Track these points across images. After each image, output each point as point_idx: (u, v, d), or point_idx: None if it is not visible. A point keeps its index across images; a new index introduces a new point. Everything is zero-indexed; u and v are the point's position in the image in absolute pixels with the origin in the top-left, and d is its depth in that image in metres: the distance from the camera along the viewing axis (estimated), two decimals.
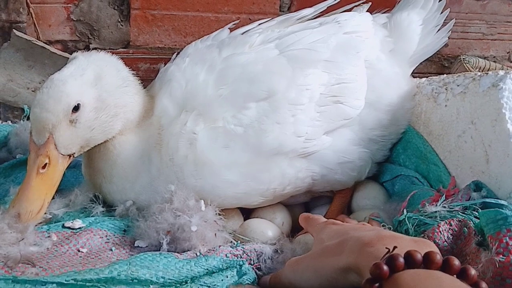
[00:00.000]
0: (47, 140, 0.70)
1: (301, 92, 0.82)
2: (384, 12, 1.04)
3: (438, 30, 1.01)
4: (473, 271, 0.42)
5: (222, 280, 0.61)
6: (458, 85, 0.86)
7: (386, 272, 0.42)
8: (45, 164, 0.70)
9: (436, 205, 0.70)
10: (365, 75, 0.89)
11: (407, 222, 0.67)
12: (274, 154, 0.80)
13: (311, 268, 0.56)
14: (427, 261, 0.43)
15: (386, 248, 0.45)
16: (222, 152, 0.78)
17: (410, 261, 0.43)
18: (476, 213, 0.66)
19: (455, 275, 0.42)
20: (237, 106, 0.79)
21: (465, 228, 0.60)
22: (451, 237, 0.60)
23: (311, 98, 0.82)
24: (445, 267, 0.43)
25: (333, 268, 0.52)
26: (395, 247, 0.45)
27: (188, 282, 0.60)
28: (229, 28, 0.97)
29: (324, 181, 0.86)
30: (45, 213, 0.72)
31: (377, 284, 0.43)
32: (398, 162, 0.97)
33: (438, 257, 0.43)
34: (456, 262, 0.43)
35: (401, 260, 0.43)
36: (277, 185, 0.81)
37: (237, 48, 0.87)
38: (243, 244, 0.67)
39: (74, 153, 0.74)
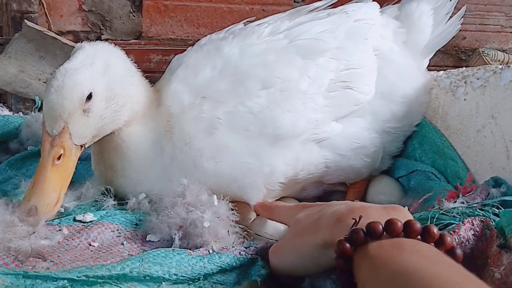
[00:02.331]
0: (62, 130, 0.69)
1: (310, 81, 0.83)
2: (394, 3, 1.04)
3: (450, 18, 1.01)
4: (434, 229, 0.44)
5: (235, 277, 0.60)
6: (478, 79, 0.85)
7: (348, 248, 0.45)
8: (60, 155, 0.69)
9: (454, 202, 0.68)
10: (375, 62, 0.91)
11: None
12: (288, 137, 0.81)
13: (292, 249, 0.57)
14: (389, 230, 0.44)
15: (353, 219, 0.47)
16: (242, 136, 0.79)
17: (372, 232, 0.44)
18: (496, 210, 0.65)
19: (418, 237, 0.44)
20: (252, 94, 0.80)
21: (487, 230, 0.59)
22: (472, 238, 0.59)
23: (320, 86, 0.84)
24: (407, 232, 0.44)
25: (313, 246, 0.53)
26: (360, 217, 0.47)
27: (201, 279, 0.59)
28: (243, 23, 0.98)
29: (338, 169, 0.87)
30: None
31: (346, 259, 0.45)
32: (414, 157, 0.96)
33: (399, 224, 0.44)
34: (417, 225, 0.44)
35: (361, 233, 0.44)
36: (291, 169, 0.82)
37: (246, 38, 0.88)
38: (256, 244, 0.66)
39: (86, 143, 0.74)
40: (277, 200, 0.86)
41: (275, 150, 0.80)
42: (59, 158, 0.69)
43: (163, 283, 0.56)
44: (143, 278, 0.55)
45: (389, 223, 0.45)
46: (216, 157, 0.78)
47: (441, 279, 0.36)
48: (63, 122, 0.69)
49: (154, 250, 0.60)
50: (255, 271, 0.60)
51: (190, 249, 0.63)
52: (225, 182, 0.78)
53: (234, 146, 0.79)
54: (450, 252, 0.44)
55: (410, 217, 0.50)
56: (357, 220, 0.47)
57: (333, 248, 0.47)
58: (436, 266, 0.39)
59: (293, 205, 0.69)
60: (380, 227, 0.45)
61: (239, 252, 0.62)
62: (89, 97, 0.71)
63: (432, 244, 0.44)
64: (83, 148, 0.74)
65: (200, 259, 0.60)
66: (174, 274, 0.57)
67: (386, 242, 0.44)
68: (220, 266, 0.60)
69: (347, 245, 0.45)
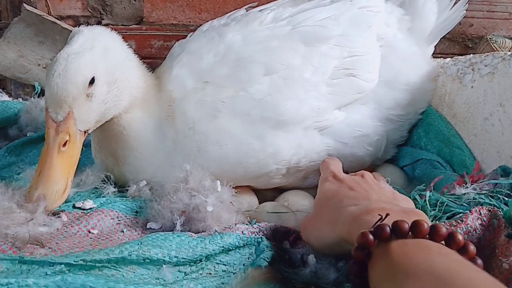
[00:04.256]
0: (67, 116, 0.68)
1: (314, 70, 0.83)
2: None
3: (455, 3, 1.00)
4: (459, 236, 0.44)
5: (239, 258, 0.60)
6: (486, 65, 0.83)
7: (371, 240, 0.45)
8: (65, 141, 0.68)
9: (466, 188, 0.67)
10: (378, 49, 0.90)
11: (427, 203, 0.65)
12: (290, 123, 0.81)
13: (314, 233, 0.60)
14: (415, 230, 0.44)
15: (379, 215, 0.47)
16: (245, 120, 0.79)
17: (398, 230, 0.44)
18: (506, 199, 0.63)
19: (442, 242, 0.44)
20: (254, 80, 0.80)
21: (495, 220, 0.58)
22: (479, 227, 0.57)
23: (324, 74, 0.83)
24: (432, 235, 0.44)
25: (330, 238, 0.56)
26: (387, 214, 0.47)
27: (203, 260, 0.58)
28: (245, 9, 0.97)
29: (341, 157, 0.86)
30: None
31: (365, 251, 0.45)
32: (419, 145, 0.95)
33: (426, 225, 0.44)
34: (443, 229, 0.44)
35: (388, 229, 0.44)
36: (293, 155, 0.82)
37: (248, 24, 0.88)
38: (260, 224, 0.65)
39: (89, 129, 0.73)
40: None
41: (278, 133, 0.80)
42: (64, 144, 0.68)
43: (164, 265, 0.55)
44: (142, 261, 0.54)
45: (416, 224, 0.44)
46: (220, 140, 0.78)
47: (472, 283, 0.36)
48: (68, 107, 0.68)
49: (153, 233, 0.59)
50: (259, 251, 0.59)
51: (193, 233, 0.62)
52: (229, 165, 0.78)
53: (237, 129, 0.78)
54: (472, 261, 0.44)
55: (429, 222, 0.50)
56: (383, 216, 0.47)
57: (355, 240, 0.47)
58: (466, 269, 0.38)
59: (328, 170, 0.71)
60: (407, 226, 0.44)
61: (242, 232, 0.62)
62: (92, 81, 0.70)
63: (455, 251, 0.44)
64: (86, 134, 0.73)
65: (201, 240, 0.59)
66: (175, 257, 0.56)
67: (411, 241, 0.44)
68: (223, 247, 0.59)
69: (371, 237, 0.45)
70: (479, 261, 0.44)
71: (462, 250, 0.44)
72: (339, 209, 0.56)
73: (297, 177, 0.86)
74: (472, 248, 0.44)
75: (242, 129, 0.79)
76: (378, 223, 0.46)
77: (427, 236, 0.44)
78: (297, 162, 0.83)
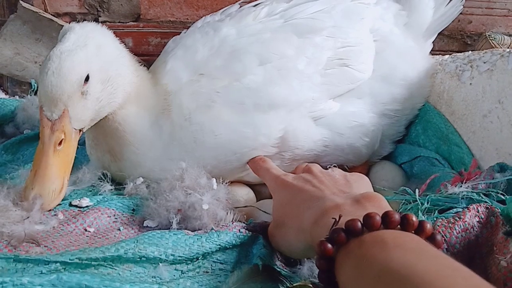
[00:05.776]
0: (62, 114, 0.67)
1: (308, 61, 0.83)
2: None
3: None
4: (413, 217, 0.43)
5: (236, 256, 0.60)
6: (484, 62, 0.83)
7: (329, 248, 0.44)
8: (61, 140, 0.68)
9: (460, 186, 0.67)
10: (372, 41, 0.91)
11: (420, 203, 0.65)
12: (283, 108, 0.81)
13: (283, 244, 0.59)
14: (367, 225, 0.44)
15: (333, 218, 0.47)
16: (238, 109, 0.79)
17: (352, 231, 0.44)
18: (501, 196, 0.63)
19: (398, 227, 0.44)
20: (248, 71, 0.81)
21: (492, 217, 0.57)
22: (477, 225, 0.57)
23: (318, 65, 0.84)
24: (385, 224, 0.43)
25: (299, 247, 0.56)
26: (340, 216, 0.46)
27: (199, 258, 0.58)
28: (239, 4, 0.98)
29: (337, 149, 0.86)
30: None
31: (327, 260, 0.45)
32: (418, 143, 0.94)
33: (377, 217, 0.43)
34: (396, 216, 0.43)
35: (342, 233, 0.44)
36: (284, 133, 0.81)
37: (242, 19, 0.89)
38: (256, 222, 0.65)
39: (84, 127, 0.72)
40: None
41: (269, 112, 0.80)
42: (60, 143, 0.68)
43: (160, 264, 0.55)
44: (138, 259, 0.54)
45: (367, 218, 0.44)
46: (215, 130, 0.79)
47: (429, 276, 0.35)
48: (63, 105, 0.67)
49: (150, 231, 0.59)
50: (256, 249, 0.59)
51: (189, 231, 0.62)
52: (224, 155, 0.79)
53: (231, 118, 0.79)
54: (430, 238, 0.44)
55: (385, 203, 0.50)
56: (337, 219, 0.46)
57: (315, 249, 0.46)
58: (422, 260, 0.38)
59: (273, 174, 0.69)
60: (359, 224, 0.44)
61: (239, 230, 0.61)
62: (86, 79, 0.69)
63: (412, 232, 0.44)
64: (81, 132, 0.72)
65: (197, 239, 0.59)
66: (171, 255, 0.56)
67: (368, 237, 0.43)
68: (219, 245, 0.59)
69: (329, 245, 0.44)
70: (438, 237, 0.44)
71: (418, 230, 0.44)
72: (298, 216, 0.55)
73: (293, 168, 0.86)
74: (428, 226, 0.44)
75: (235, 118, 0.79)
76: (333, 227, 0.45)
77: (382, 226, 0.44)
78: (292, 147, 0.82)
